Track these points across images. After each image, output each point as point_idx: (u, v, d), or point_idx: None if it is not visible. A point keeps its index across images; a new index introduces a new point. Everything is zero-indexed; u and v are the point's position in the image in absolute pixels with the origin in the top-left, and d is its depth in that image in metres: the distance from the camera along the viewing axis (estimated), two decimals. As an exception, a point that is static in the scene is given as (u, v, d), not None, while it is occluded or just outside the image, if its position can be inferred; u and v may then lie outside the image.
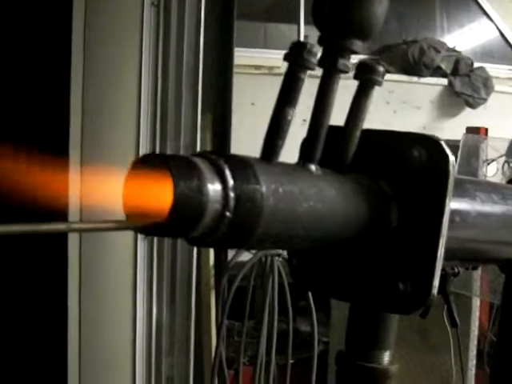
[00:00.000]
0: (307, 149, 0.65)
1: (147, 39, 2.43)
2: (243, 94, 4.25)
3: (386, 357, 0.80)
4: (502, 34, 5.99)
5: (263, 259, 3.14)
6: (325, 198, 0.63)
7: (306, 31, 5.45)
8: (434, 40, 5.63)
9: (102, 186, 0.53)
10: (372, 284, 0.72)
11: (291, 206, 0.59)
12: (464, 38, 6.04)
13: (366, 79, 0.67)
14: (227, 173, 0.54)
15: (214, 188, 0.53)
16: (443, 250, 0.69)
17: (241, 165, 0.56)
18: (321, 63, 0.64)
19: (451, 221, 0.72)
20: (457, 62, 5.50)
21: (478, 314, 3.16)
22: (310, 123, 0.66)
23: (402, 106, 5.11)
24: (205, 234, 0.55)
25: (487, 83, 5.48)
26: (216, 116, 2.84)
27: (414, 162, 0.70)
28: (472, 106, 5.44)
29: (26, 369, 2.66)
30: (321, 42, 0.63)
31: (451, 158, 0.69)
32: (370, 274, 0.72)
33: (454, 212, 0.74)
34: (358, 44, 0.63)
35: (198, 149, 2.59)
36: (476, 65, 5.57)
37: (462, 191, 0.81)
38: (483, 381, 3.22)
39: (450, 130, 4.92)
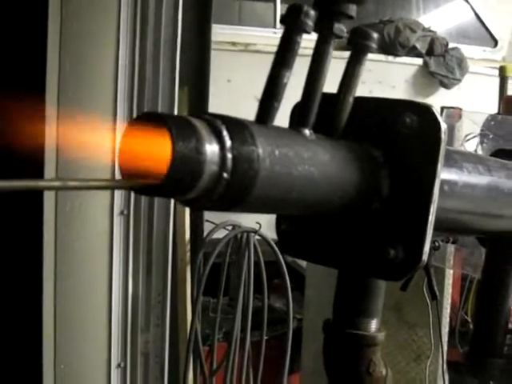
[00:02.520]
0: (301, 113, 0.65)
1: (125, 11, 2.40)
2: (219, 70, 4.22)
3: (374, 324, 0.80)
4: (476, 15, 6.01)
5: (239, 236, 3.14)
6: (319, 162, 0.63)
7: (281, 10, 5.42)
8: (409, 20, 5.63)
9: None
10: (362, 250, 0.73)
11: (286, 169, 0.58)
12: (439, 18, 6.06)
13: (360, 45, 0.67)
14: (225, 133, 0.54)
15: (211, 148, 0.53)
16: (434, 216, 0.70)
17: (238, 126, 0.55)
18: (316, 28, 0.63)
19: (440, 190, 0.72)
20: (432, 42, 5.51)
21: (450, 291, 3.19)
22: (305, 87, 0.65)
23: (377, 86, 5.11)
24: (201, 196, 0.54)
25: (462, 64, 5.50)
26: (193, 90, 2.83)
27: (405, 129, 0.70)
28: (446, 87, 5.46)
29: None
30: (316, 6, 0.63)
31: (443, 124, 0.69)
32: (360, 240, 0.72)
33: (442, 181, 0.74)
34: (352, 8, 0.63)
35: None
36: (451, 45, 5.59)
37: (449, 161, 0.81)
38: (455, 357, 3.27)
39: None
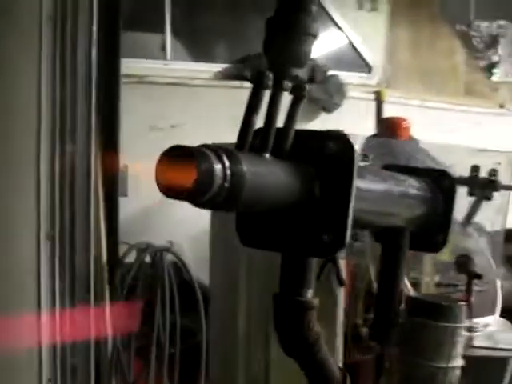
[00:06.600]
0: (263, 142, 0.95)
1: (45, 51, 2.62)
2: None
3: (310, 293, 1.10)
4: (351, 43, 6.42)
5: (153, 255, 3.36)
6: (277, 175, 0.93)
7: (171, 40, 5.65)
8: (291, 50, 6.00)
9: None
10: (302, 237, 1.03)
11: (261, 180, 0.88)
12: (317, 46, 6.43)
13: (299, 95, 0.98)
14: (224, 158, 0.83)
15: (218, 167, 0.82)
16: (352, 212, 1.00)
17: (230, 153, 0.84)
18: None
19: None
20: (313, 70, 5.91)
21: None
22: (264, 124, 0.95)
23: (263, 112, 5.44)
24: (211, 199, 0.83)
25: (341, 89, 5.93)
26: (106, 120, 3.07)
27: (329, 151, 1.01)
28: (328, 111, 5.87)
29: None
30: (270, 69, 0.93)
31: (355, 147, 1.01)
32: (301, 230, 1.02)
33: (352, 187, 1.04)
34: (296, 71, 0.94)
35: (93, 149, 2.82)
36: (330, 72, 5.99)
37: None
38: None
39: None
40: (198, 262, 3.74)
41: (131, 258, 3.38)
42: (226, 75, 5.53)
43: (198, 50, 5.88)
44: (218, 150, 0.83)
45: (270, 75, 0.91)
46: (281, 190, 0.94)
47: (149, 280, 3.39)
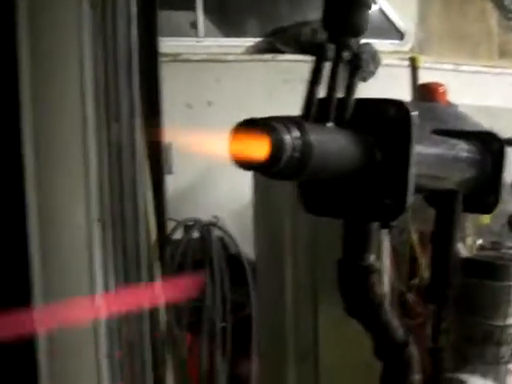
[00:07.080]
0: (325, 112, 0.98)
1: (86, 37, 2.68)
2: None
3: (372, 257, 1.14)
4: (381, 10, 6.40)
5: (200, 230, 3.43)
6: (339, 143, 0.97)
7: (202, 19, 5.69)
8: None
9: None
10: (365, 203, 1.06)
11: (326, 148, 0.92)
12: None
13: (357, 65, 1.01)
14: (294, 129, 0.86)
15: (288, 138, 0.85)
16: (413, 176, 1.03)
17: (299, 124, 0.88)
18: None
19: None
20: (346, 40, 5.89)
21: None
22: (326, 95, 0.99)
23: (301, 84, 5.46)
24: (282, 168, 0.87)
25: (375, 57, 5.92)
26: (148, 100, 3.13)
27: (387, 118, 1.04)
28: (364, 80, 5.86)
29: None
30: (330, 40, 0.97)
31: (412, 112, 1.04)
32: (364, 196, 1.06)
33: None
34: (353, 41, 0.97)
35: (137, 128, 2.89)
36: (362, 41, 5.97)
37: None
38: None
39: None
40: (241, 236, 3.80)
41: (178, 234, 3.45)
42: (257, 49, 5.55)
43: (229, 26, 5.91)
44: (286, 121, 0.87)
45: (332, 47, 0.94)
46: (344, 157, 0.97)
47: (197, 255, 3.45)
